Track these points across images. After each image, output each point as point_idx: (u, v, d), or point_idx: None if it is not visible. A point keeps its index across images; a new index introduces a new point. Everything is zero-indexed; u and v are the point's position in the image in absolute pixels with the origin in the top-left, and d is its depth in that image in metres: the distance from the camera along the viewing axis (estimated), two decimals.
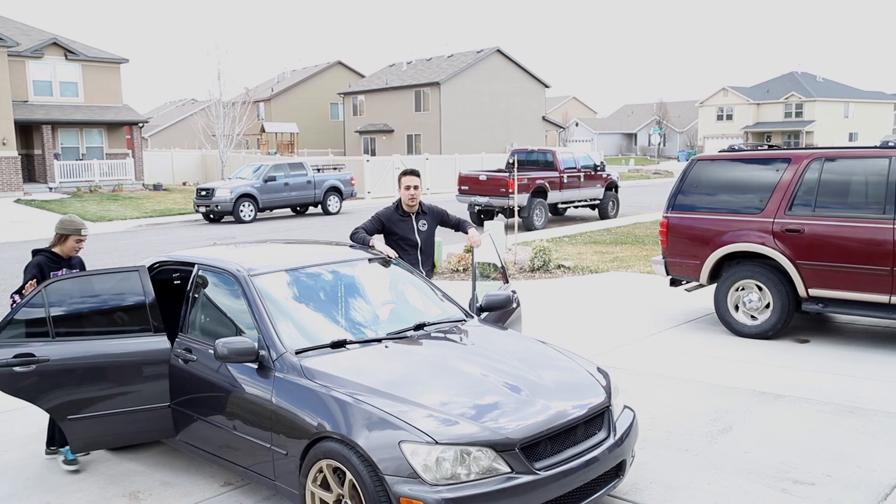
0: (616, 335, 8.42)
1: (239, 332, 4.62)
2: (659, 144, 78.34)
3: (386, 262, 5.59)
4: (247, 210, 24.15)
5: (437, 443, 3.58)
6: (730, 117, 76.95)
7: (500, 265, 6.34)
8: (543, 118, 56.62)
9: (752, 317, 8.20)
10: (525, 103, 54.41)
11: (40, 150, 33.17)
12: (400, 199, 6.38)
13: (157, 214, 26.58)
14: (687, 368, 7.14)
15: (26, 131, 33.16)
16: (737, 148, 8.73)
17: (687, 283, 8.98)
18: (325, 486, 3.91)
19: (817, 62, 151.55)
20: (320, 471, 3.89)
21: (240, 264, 4.91)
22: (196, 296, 5.05)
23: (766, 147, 9.01)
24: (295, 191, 25.65)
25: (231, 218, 24.16)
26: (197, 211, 24.83)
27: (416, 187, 6.32)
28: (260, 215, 25.01)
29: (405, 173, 6.35)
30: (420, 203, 6.42)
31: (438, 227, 6.58)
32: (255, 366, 4.33)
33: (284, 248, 5.86)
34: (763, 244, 7.96)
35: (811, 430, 5.51)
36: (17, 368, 4.64)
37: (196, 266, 5.14)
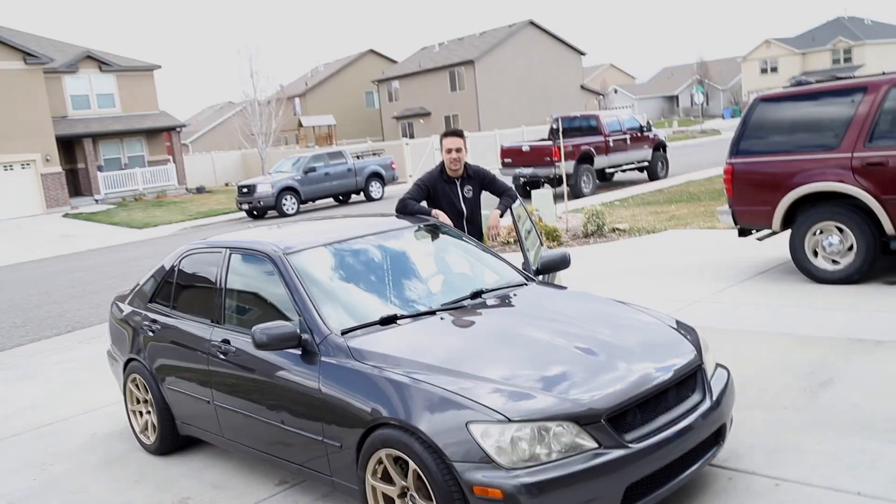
0: (685, 293, 7.83)
1: (280, 317, 4.18)
2: (702, 104, 76.18)
3: (434, 229, 5.12)
4: (289, 203, 23.96)
5: (510, 420, 3.11)
6: (774, 70, 74.44)
7: (525, 234, 5.74)
8: (582, 87, 55.51)
9: (834, 261, 7.53)
10: (562, 73, 53.37)
11: (83, 164, 33.54)
12: (443, 163, 5.88)
13: (201, 216, 26.60)
14: (769, 321, 6.54)
15: (68, 146, 33.51)
16: (804, 81, 8.02)
17: (757, 231, 8.33)
18: (386, 478, 3.47)
19: (864, 4, 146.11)
20: (380, 462, 3.45)
21: (275, 243, 4.49)
22: (230, 282, 4.65)
23: (834, 79, 8.26)
24: (336, 180, 25.40)
25: (274, 212, 24.01)
26: (240, 209, 24.75)
27: (458, 150, 5.79)
28: (303, 207, 24.83)
29: (446, 134, 5.82)
30: (466, 166, 5.91)
31: (483, 192, 6.08)
32: (298, 352, 3.90)
33: (324, 223, 5.43)
34: (842, 181, 7.28)
35: None
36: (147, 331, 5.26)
37: (227, 250, 4.74)
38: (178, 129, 36.24)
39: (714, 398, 3.65)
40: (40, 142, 30.41)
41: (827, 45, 71.45)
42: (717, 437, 3.69)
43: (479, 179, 5.95)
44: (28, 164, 30.51)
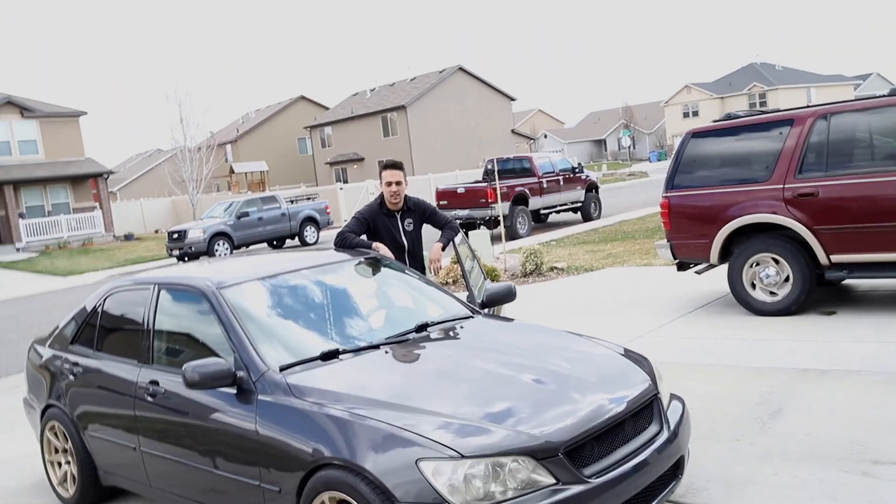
0: (627, 328, 7.77)
1: (213, 355, 3.90)
2: (629, 147, 78.30)
3: (376, 262, 4.93)
4: (221, 249, 23.36)
5: (462, 456, 2.91)
6: (696, 114, 77.10)
7: (469, 268, 5.63)
8: (512, 131, 56.36)
9: (772, 293, 7.59)
10: (493, 118, 54.11)
11: (3, 211, 32.18)
12: (383, 196, 5.71)
13: (129, 263, 25.73)
14: (713, 354, 6.51)
15: None
16: (734, 115, 8.18)
17: (696, 265, 8.38)
18: None
19: (775, 51, 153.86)
20: None
21: (207, 278, 4.23)
22: (158, 321, 4.35)
23: (760, 113, 8.45)
24: (270, 224, 24.94)
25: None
26: (170, 255, 23.99)
27: (398, 183, 5.64)
28: (236, 252, 24.24)
29: (386, 167, 5.67)
30: (406, 199, 5.76)
31: (425, 227, 5.94)
32: (233, 391, 3.64)
33: (259, 258, 5.19)
34: (775, 213, 7.38)
35: (873, 403, 4.88)
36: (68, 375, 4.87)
37: (155, 286, 4.45)
38: (104, 176, 35.23)
39: (672, 429, 3.53)
40: None
41: (743, 89, 74.54)
42: (676, 470, 3.56)
43: (420, 212, 5.80)
44: None
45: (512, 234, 19.32)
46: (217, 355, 3.85)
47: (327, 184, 53.98)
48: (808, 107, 7.72)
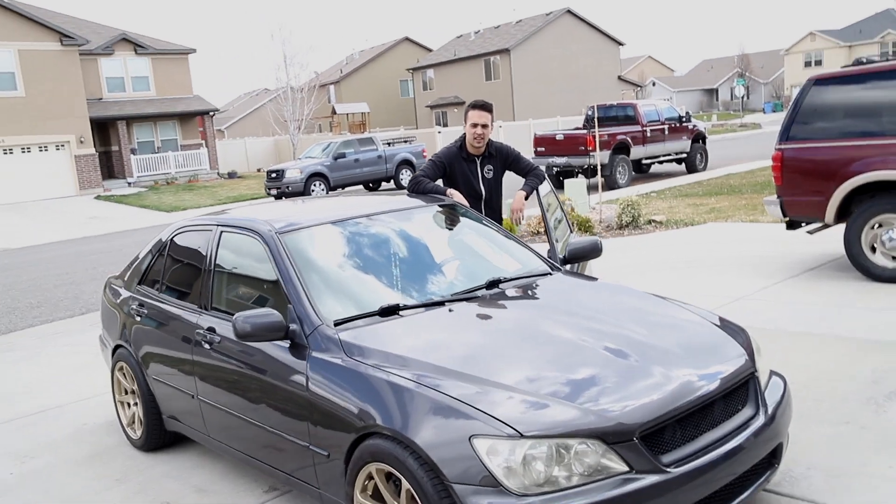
0: (727, 289, 7.21)
1: (271, 304, 3.69)
2: (743, 98, 74.44)
3: (449, 209, 4.59)
4: (318, 189, 23.58)
5: (522, 435, 2.58)
6: (819, 63, 72.44)
7: (555, 223, 5.18)
8: (619, 78, 54.42)
9: (894, 257, 6.86)
10: (599, 64, 52.35)
11: (117, 146, 33.53)
12: (464, 137, 5.32)
13: (230, 200, 26.35)
14: (822, 322, 5.91)
15: (102, 128, 33.51)
16: (865, 61, 7.34)
17: (808, 224, 7.67)
18: (377, 496, 2.96)
19: None
20: (370, 477, 2.94)
21: (268, 221, 3.99)
22: (219, 264, 4.16)
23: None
24: (366, 166, 24.96)
25: None
26: (269, 194, 24.43)
27: (484, 126, 5.21)
28: (332, 194, 24.41)
29: (474, 106, 5.21)
30: (489, 143, 5.35)
31: (506, 172, 5.51)
32: (286, 344, 3.41)
33: (330, 201, 4.93)
34: None
35: None
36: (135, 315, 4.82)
37: (217, 227, 4.25)
38: (211, 114, 36.08)
39: (769, 413, 3.08)
40: (75, 123, 30.39)
41: (875, 37, 69.38)
42: (772, 458, 3.13)
43: (503, 158, 5.39)
44: (62, 146, 30.52)
45: (611, 184, 18.61)
46: (275, 303, 3.63)
47: (427, 127, 53.79)
48: None
